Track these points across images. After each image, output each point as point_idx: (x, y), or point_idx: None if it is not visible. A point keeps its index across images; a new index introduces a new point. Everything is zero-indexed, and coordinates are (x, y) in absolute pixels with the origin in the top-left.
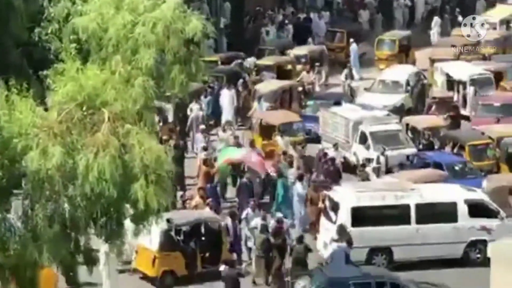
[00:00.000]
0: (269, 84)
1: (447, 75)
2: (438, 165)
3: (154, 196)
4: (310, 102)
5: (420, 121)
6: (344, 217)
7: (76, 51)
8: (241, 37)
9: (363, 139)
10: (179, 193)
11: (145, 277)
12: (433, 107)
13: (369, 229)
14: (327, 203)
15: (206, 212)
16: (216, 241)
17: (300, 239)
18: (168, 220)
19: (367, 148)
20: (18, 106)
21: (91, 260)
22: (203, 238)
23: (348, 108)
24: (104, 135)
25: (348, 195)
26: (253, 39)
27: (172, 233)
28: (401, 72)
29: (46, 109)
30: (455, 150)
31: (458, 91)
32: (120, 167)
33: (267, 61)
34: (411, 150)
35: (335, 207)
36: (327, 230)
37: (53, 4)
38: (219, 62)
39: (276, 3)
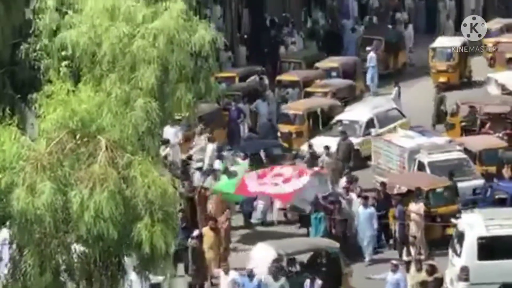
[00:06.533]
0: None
1: (503, 87)
2: None
3: (161, 237)
4: None
5: (475, 141)
6: (469, 248)
7: (66, 70)
8: (262, 48)
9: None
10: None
11: None
12: (487, 125)
13: (500, 262)
14: (453, 232)
15: (324, 240)
16: (336, 273)
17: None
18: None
19: None
20: (1, 136)
21: None
22: (323, 269)
23: (403, 135)
24: (101, 167)
25: (475, 223)
26: (274, 50)
27: (284, 263)
28: (365, 110)
29: (33, 139)
30: None
31: None
32: (121, 204)
33: (291, 76)
34: (479, 182)
35: (460, 237)
36: (452, 265)
37: (40, 16)
38: (237, 79)
39: (301, 7)
